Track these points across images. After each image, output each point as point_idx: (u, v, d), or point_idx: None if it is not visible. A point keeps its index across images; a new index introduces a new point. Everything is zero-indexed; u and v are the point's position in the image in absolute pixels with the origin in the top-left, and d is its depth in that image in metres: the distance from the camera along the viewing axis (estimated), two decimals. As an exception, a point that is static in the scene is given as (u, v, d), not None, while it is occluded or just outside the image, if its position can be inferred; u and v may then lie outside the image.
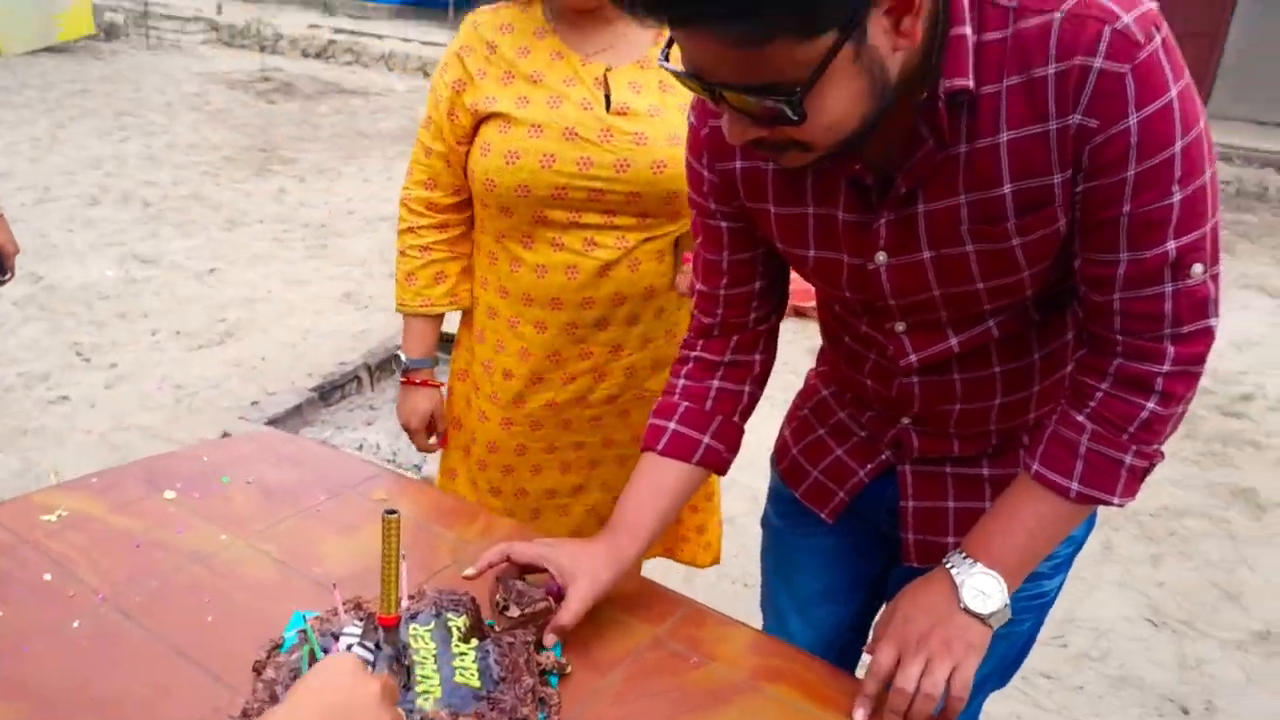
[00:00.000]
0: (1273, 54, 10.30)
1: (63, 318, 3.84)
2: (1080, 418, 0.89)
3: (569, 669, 0.97)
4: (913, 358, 0.99)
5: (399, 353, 1.58)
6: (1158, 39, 0.76)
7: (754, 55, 0.70)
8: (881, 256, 0.91)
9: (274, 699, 0.86)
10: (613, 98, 1.35)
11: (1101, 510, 0.98)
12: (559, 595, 0.98)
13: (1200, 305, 0.84)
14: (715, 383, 1.10)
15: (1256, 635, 2.46)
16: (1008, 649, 1.11)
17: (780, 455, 1.26)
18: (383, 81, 10.11)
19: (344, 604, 1.00)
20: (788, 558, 1.28)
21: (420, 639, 0.92)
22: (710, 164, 1.00)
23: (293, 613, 1.04)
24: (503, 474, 1.55)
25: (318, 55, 11.25)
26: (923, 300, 0.93)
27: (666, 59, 0.79)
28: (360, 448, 2.86)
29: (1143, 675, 2.30)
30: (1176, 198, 0.79)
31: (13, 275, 2.00)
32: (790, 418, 1.26)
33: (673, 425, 1.08)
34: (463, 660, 0.90)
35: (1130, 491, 0.90)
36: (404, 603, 0.97)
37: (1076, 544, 1.12)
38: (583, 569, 0.98)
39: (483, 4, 1.48)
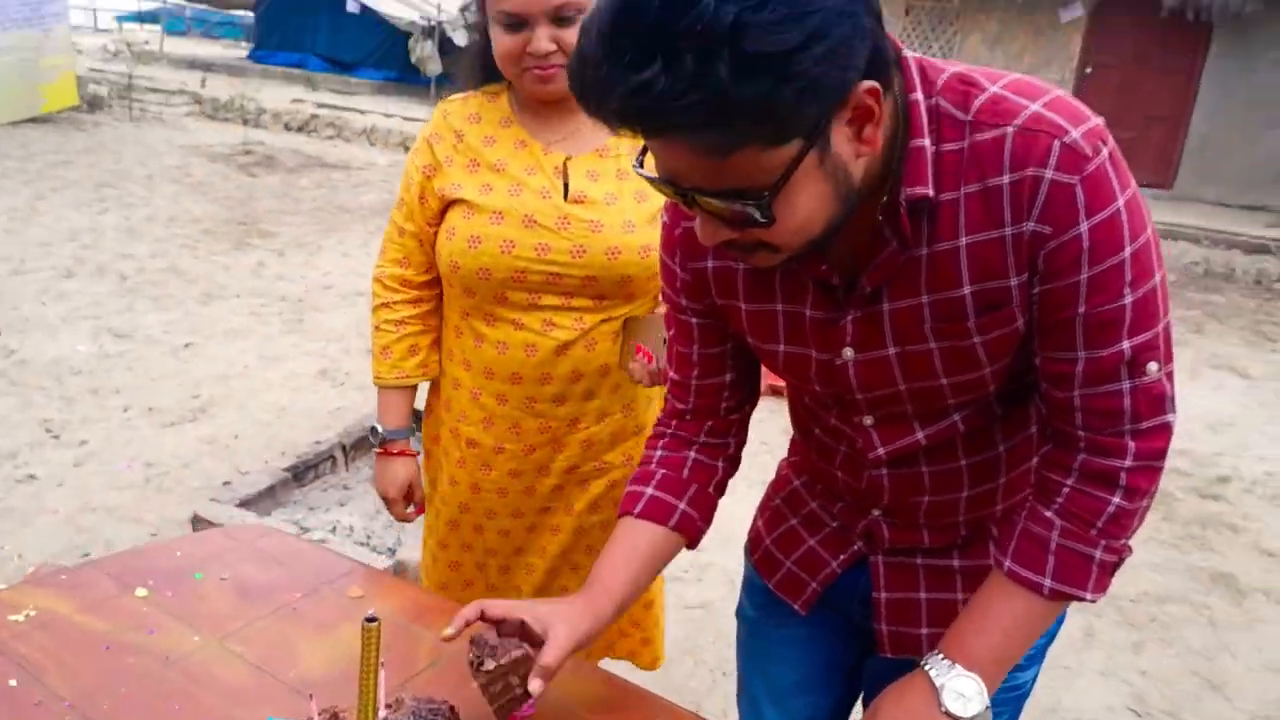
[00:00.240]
0: (1234, 139, 10.73)
1: (33, 393, 3.78)
2: (1049, 514, 0.91)
3: None
4: (881, 451, 1.01)
5: (375, 425, 1.60)
6: (1104, 152, 0.81)
7: (723, 163, 0.73)
8: (849, 352, 0.95)
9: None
10: (570, 186, 1.42)
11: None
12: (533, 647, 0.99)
13: (1157, 401, 0.88)
14: (691, 454, 1.12)
15: (1241, 725, 2.44)
16: None
17: (754, 546, 1.26)
18: (364, 156, 10.24)
19: (320, 714, 0.97)
20: (763, 649, 1.27)
21: (401, 755, 0.89)
22: (683, 262, 1.04)
23: (267, 723, 1.00)
24: (474, 532, 1.61)
25: (300, 129, 11.40)
26: (889, 394, 0.96)
27: (641, 165, 0.82)
28: (334, 530, 2.80)
29: (1130, 768, 2.26)
30: (1128, 300, 0.84)
31: None
32: (763, 508, 1.27)
33: (650, 490, 1.09)
34: (445, 778, 0.87)
35: (1101, 587, 0.91)
36: (381, 713, 0.94)
37: (1049, 635, 1.12)
38: (560, 617, 0.99)
39: (460, 84, 1.55)
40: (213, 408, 3.80)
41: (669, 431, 1.14)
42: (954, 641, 0.93)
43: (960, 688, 0.90)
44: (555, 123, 1.46)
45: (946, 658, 0.92)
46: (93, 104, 10.90)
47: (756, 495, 1.30)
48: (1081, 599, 0.91)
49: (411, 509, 1.65)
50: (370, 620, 0.89)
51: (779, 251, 0.83)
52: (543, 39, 1.32)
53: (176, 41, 17.58)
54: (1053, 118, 0.81)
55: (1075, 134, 0.80)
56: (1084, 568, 0.90)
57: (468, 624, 0.99)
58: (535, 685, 0.95)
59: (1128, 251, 0.82)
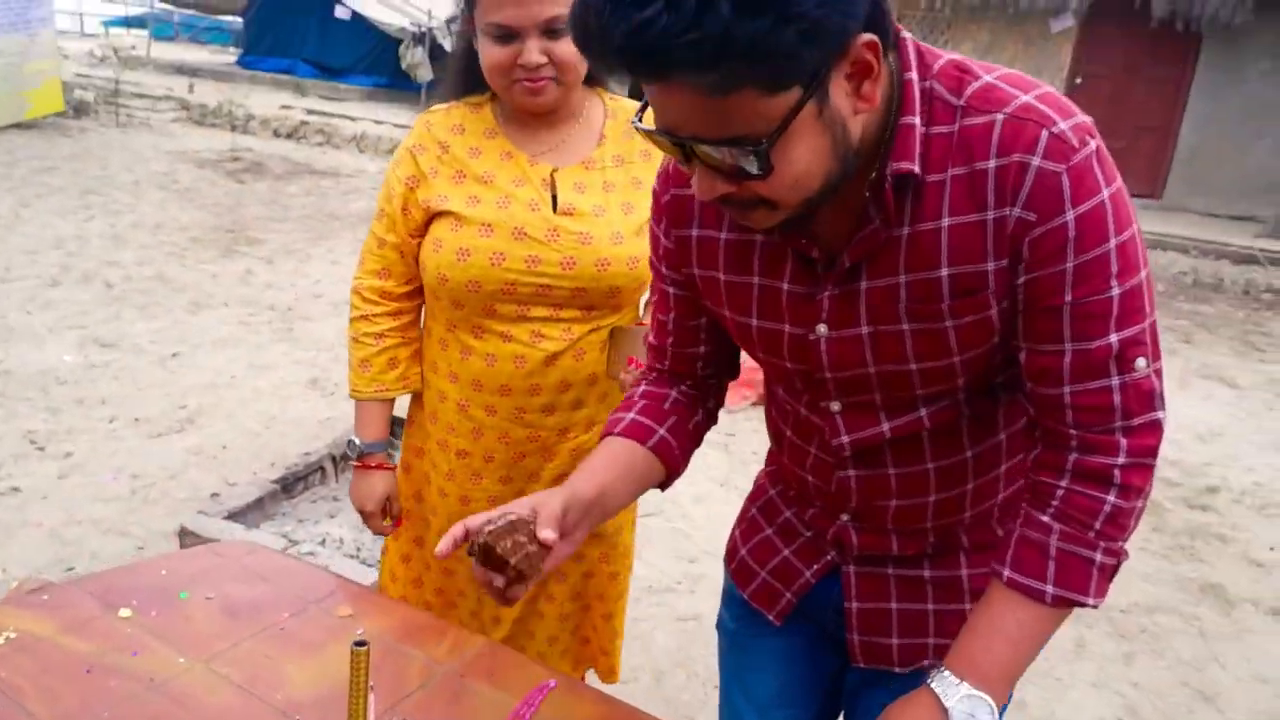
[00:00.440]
0: (1223, 149, 10.81)
1: (17, 404, 3.74)
2: (1045, 518, 0.90)
3: None
4: (845, 439, 1.02)
5: (353, 438, 1.59)
6: (1091, 145, 0.82)
7: (721, 107, 0.74)
8: (822, 329, 0.95)
9: None
10: (559, 199, 1.43)
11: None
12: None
13: (1147, 398, 0.88)
14: (673, 393, 1.14)
15: (1233, 737, 2.44)
16: None
17: (730, 556, 1.27)
18: (353, 163, 10.20)
19: (309, 741, 0.95)
20: (742, 660, 1.27)
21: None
22: (668, 229, 1.05)
23: (254, 751, 0.98)
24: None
25: (289, 136, 11.35)
26: (858, 376, 0.96)
27: (640, 120, 0.83)
28: (323, 542, 2.78)
29: (1123, 781, 2.26)
30: (1114, 291, 0.84)
31: None
32: (741, 518, 1.28)
33: (630, 415, 1.11)
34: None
35: (1102, 592, 0.91)
36: (373, 739, 0.92)
37: None
38: (539, 497, 0.97)
39: (444, 92, 1.54)
40: (200, 418, 3.76)
41: (650, 378, 1.17)
42: (960, 657, 0.91)
43: (969, 708, 0.88)
44: (541, 134, 1.46)
45: (953, 674, 0.90)
46: (78, 110, 10.83)
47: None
48: (1084, 604, 0.90)
49: (389, 522, 1.64)
50: (359, 645, 0.87)
51: (776, 209, 0.83)
52: (534, 51, 1.32)
53: (164, 47, 17.50)
54: (1043, 109, 0.83)
55: (1063, 125, 0.82)
56: (1085, 571, 0.89)
57: (456, 543, 0.94)
58: (547, 533, 0.92)
59: (1113, 243, 0.84)
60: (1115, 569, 0.91)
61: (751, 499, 1.26)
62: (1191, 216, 10.34)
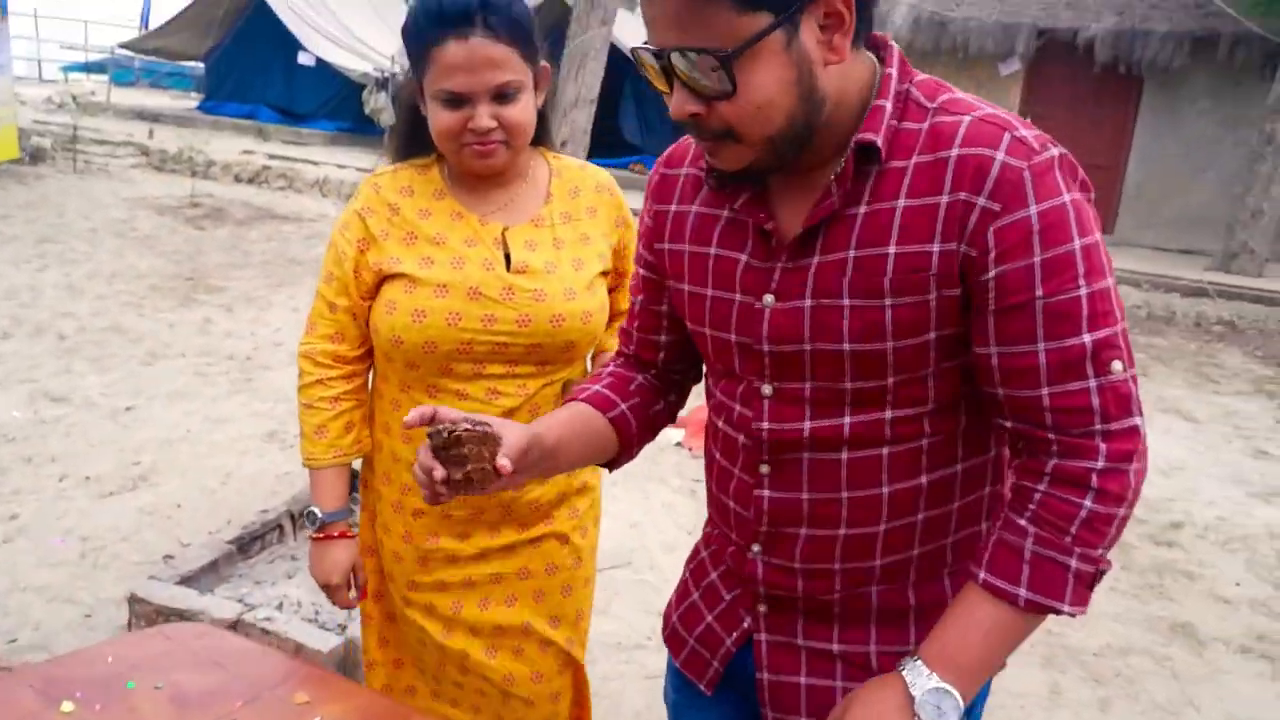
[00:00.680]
0: (1167, 185, 11.13)
1: (-39, 463, 3.61)
2: (1022, 521, 0.91)
3: None
4: (765, 424, 1.00)
5: (312, 509, 1.53)
6: (1052, 151, 0.88)
7: (699, 17, 0.82)
8: (769, 299, 0.97)
9: None
10: (512, 257, 1.44)
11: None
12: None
13: (1125, 401, 0.89)
14: (638, 378, 1.20)
15: (1209, 783, 2.42)
16: None
17: (665, 622, 1.25)
18: (316, 207, 10.14)
19: None
20: None
21: None
22: (650, 208, 1.12)
23: None
24: (425, 613, 1.56)
25: (250, 181, 11.27)
26: (794, 354, 0.97)
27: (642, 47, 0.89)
28: (280, 606, 2.69)
29: (1102, 834, 2.22)
30: (1083, 290, 0.87)
31: None
32: (678, 583, 1.26)
33: (596, 387, 1.17)
34: None
35: (1080, 599, 0.90)
36: None
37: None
38: (508, 427, 1.00)
39: (388, 155, 1.57)
40: (154, 475, 3.66)
41: (618, 362, 1.23)
42: (933, 648, 0.92)
43: (937, 700, 0.89)
44: (490, 194, 1.48)
45: (925, 664, 0.91)
46: (35, 156, 10.67)
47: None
48: (1059, 612, 0.89)
49: (354, 594, 1.58)
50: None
51: (741, 142, 0.89)
52: (484, 116, 1.34)
53: (124, 92, 17.36)
54: (1007, 117, 0.90)
55: (1026, 132, 0.89)
56: (1060, 577, 0.89)
57: (423, 419, 0.97)
58: (504, 463, 0.95)
59: (1078, 244, 0.87)
60: (1094, 577, 0.90)
61: (687, 562, 1.26)
62: (1142, 251, 10.60)
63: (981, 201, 0.87)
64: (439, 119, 1.36)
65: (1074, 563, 0.89)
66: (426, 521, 1.51)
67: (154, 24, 17.02)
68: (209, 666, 1.26)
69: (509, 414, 1.45)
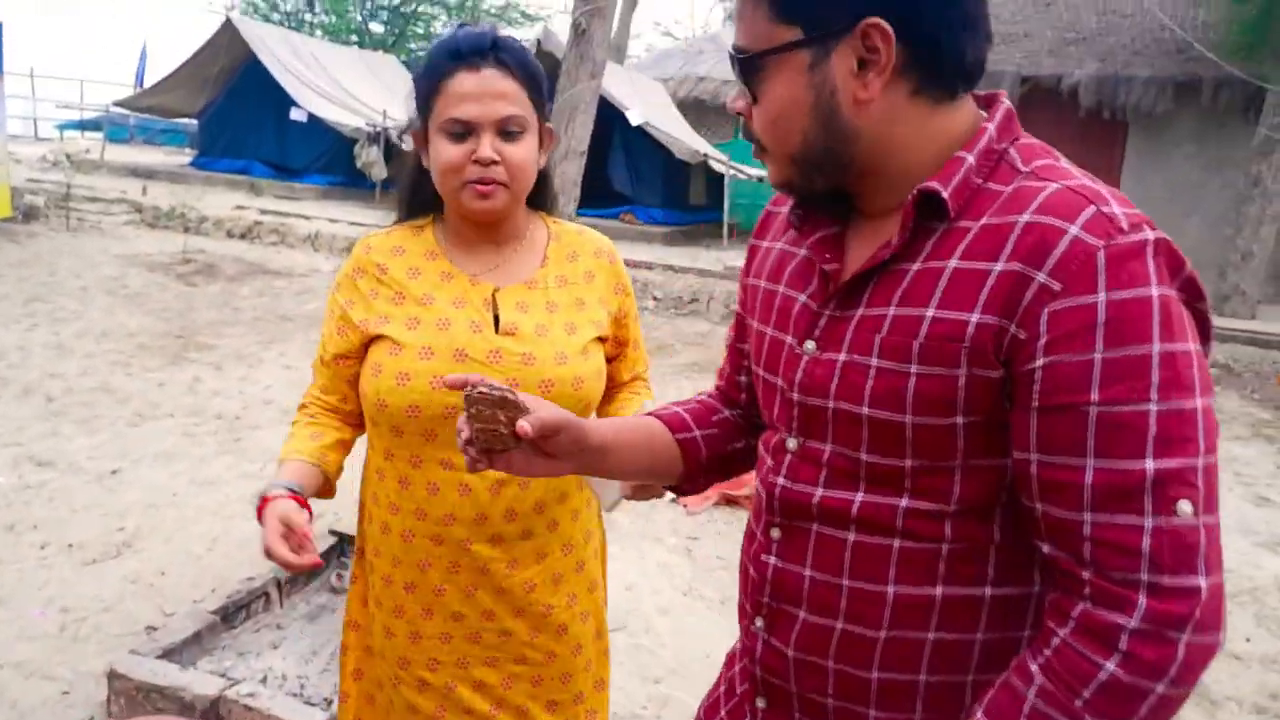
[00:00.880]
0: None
1: (-59, 532, 3.53)
2: (1033, 666, 0.80)
3: None
4: (780, 480, 0.95)
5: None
6: (1146, 235, 0.77)
7: (748, 13, 0.85)
8: (810, 345, 0.93)
9: None
10: (501, 318, 1.41)
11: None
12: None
13: (1186, 554, 0.73)
14: (725, 411, 1.18)
15: None
16: None
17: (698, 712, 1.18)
18: (308, 262, 10.15)
19: None
20: None
21: None
22: (751, 244, 1.11)
23: None
24: (417, 689, 1.49)
25: (243, 236, 11.29)
26: (818, 409, 0.92)
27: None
28: (264, 679, 2.60)
29: None
30: (1154, 406, 0.74)
31: None
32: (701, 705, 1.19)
33: (676, 407, 1.16)
34: None
35: None
36: None
37: None
38: (546, 405, 0.99)
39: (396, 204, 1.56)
40: (138, 541, 3.58)
41: (710, 393, 1.21)
42: None
43: None
44: (483, 254, 1.46)
45: None
46: (28, 215, 10.69)
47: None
48: None
49: (306, 556, 1.31)
50: None
51: (769, 155, 0.90)
52: (488, 146, 1.34)
53: (119, 149, 17.47)
54: (1103, 192, 0.80)
55: (1118, 209, 0.78)
56: None
57: (453, 385, 0.99)
58: (523, 426, 0.94)
59: (1158, 348, 0.74)
60: None
61: (714, 683, 1.18)
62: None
63: (1040, 277, 0.77)
64: (442, 153, 1.35)
65: None
66: (419, 596, 1.46)
67: (149, 82, 17.18)
68: (178, 767, 1.19)
69: (499, 485, 1.40)
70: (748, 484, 4.42)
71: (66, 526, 3.65)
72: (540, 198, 1.51)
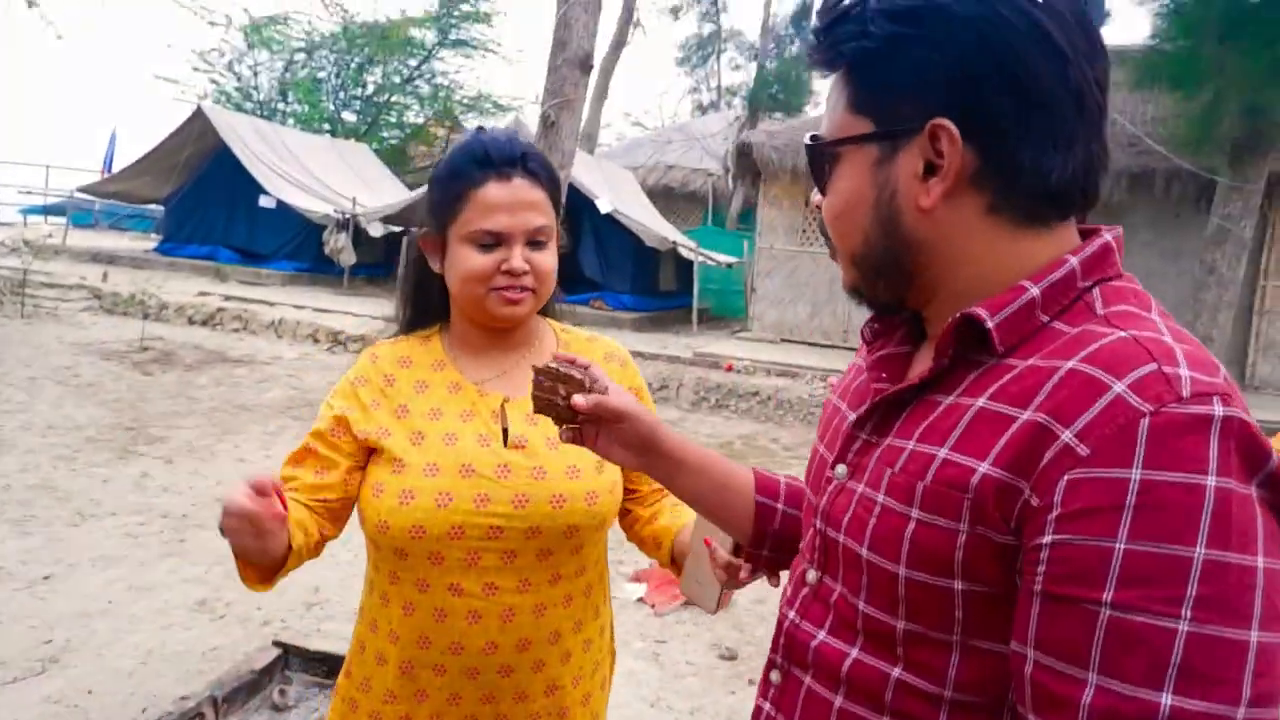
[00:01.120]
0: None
1: None
2: None
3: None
4: (791, 614, 0.89)
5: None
6: (1214, 413, 0.62)
7: (831, 100, 0.82)
8: (840, 470, 0.86)
9: None
10: (510, 431, 1.36)
11: None
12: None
13: None
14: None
15: None
16: None
17: None
18: (270, 349, 9.97)
19: None
20: None
21: None
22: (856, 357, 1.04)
23: None
24: None
25: (204, 323, 11.11)
26: (833, 542, 0.84)
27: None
28: (192, 818, 2.37)
29: None
30: (1184, 626, 0.59)
31: None
32: None
33: (779, 475, 1.12)
34: None
35: None
36: None
37: None
38: (619, 390, 1.04)
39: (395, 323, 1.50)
40: (66, 655, 3.32)
41: None
42: None
43: None
44: (491, 359, 1.42)
45: None
46: (-18, 302, 10.47)
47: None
48: None
49: (269, 505, 1.13)
50: None
51: (834, 248, 0.86)
52: (519, 258, 1.32)
53: (82, 234, 17.33)
54: (1177, 350, 0.66)
55: (1185, 371, 0.64)
56: None
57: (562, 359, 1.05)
58: (578, 400, 1.01)
59: (1204, 553, 0.59)
60: None
61: None
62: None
63: (1065, 435, 0.65)
64: (470, 262, 1.32)
65: None
66: None
67: (117, 168, 17.16)
68: None
69: (510, 612, 1.31)
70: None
71: (-12, 640, 3.39)
72: (547, 303, 1.48)
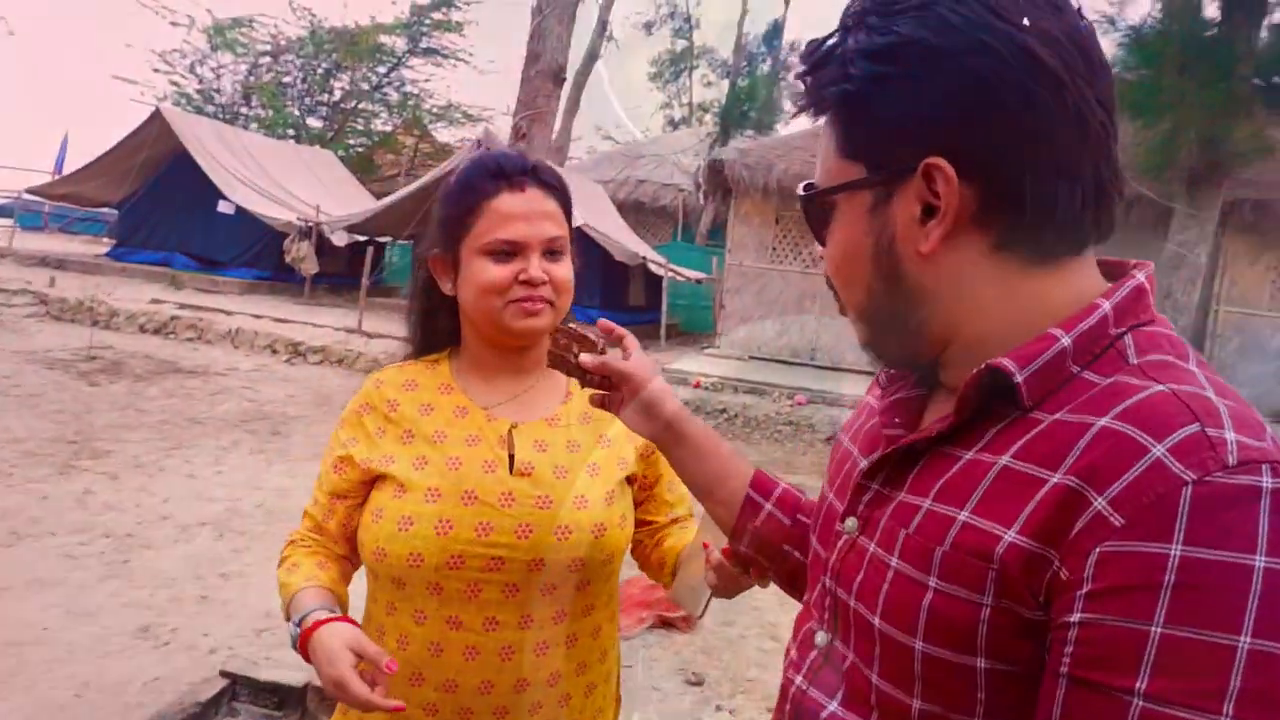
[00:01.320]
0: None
1: None
2: None
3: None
4: (798, 680, 0.83)
5: (290, 622, 1.23)
6: (1262, 484, 0.56)
7: (822, 149, 0.78)
8: (851, 523, 0.80)
9: None
10: (517, 457, 1.32)
11: None
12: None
13: None
14: (805, 501, 1.08)
15: None
16: None
17: None
18: (226, 360, 9.69)
19: None
20: None
21: None
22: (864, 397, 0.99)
23: None
24: None
25: (157, 331, 10.77)
26: (845, 605, 0.78)
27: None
28: None
29: None
30: None
31: None
32: None
33: (779, 478, 1.08)
34: None
35: None
36: None
37: None
38: (641, 358, 1.10)
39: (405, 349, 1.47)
40: (-7, 689, 3.10)
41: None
42: None
43: None
44: (502, 383, 1.38)
45: None
46: (-79, 305, 10.05)
47: None
48: None
49: (377, 690, 1.11)
50: None
51: (838, 298, 0.82)
52: (536, 267, 1.30)
53: (30, 238, 16.83)
54: (1220, 408, 0.61)
55: (1232, 434, 0.59)
56: None
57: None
58: (585, 359, 1.07)
59: (1250, 643, 0.54)
60: None
61: None
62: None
63: (1099, 502, 0.59)
64: (486, 274, 1.30)
65: None
66: None
67: (69, 169, 16.70)
68: None
69: (509, 650, 1.26)
70: (688, 606, 4.15)
71: (-93, 672, 3.15)
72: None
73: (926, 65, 0.68)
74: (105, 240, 17.50)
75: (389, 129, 23.33)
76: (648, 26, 23.52)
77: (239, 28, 21.93)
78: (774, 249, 12.37)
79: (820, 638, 0.82)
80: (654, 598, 4.18)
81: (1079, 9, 0.72)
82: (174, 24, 26.61)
